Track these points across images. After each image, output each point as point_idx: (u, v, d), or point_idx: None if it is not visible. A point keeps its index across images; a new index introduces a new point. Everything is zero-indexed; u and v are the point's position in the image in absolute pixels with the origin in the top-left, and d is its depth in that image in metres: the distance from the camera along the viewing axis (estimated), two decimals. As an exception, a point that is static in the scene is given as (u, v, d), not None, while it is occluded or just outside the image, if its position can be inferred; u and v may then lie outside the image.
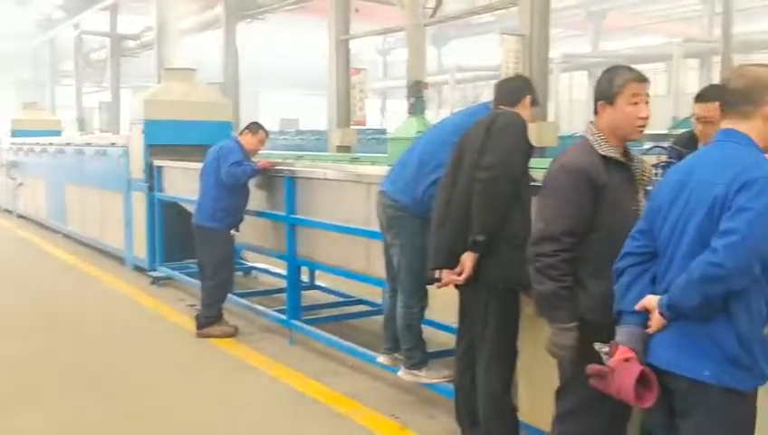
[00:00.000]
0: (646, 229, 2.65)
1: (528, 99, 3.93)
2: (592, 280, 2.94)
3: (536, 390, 3.79)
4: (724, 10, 15.74)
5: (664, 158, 4.04)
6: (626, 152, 3.08)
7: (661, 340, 2.52)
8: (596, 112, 3.06)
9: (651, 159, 4.14)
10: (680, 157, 3.89)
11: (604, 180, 2.93)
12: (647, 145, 4.42)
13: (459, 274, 3.65)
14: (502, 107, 3.90)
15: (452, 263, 3.68)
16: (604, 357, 2.63)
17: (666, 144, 4.25)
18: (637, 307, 2.59)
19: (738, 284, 2.34)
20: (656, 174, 3.84)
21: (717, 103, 4.09)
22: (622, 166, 3.02)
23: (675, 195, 2.54)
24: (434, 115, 22.96)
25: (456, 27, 30.46)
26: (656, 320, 2.52)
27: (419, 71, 11.51)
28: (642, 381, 2.50)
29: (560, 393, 3.13)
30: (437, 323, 5.50)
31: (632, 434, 3.49)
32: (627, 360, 2.54)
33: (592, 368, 2.63)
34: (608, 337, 2.87)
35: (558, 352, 2.98)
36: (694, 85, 18.01)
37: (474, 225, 3.57)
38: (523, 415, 3.88)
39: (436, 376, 4.46)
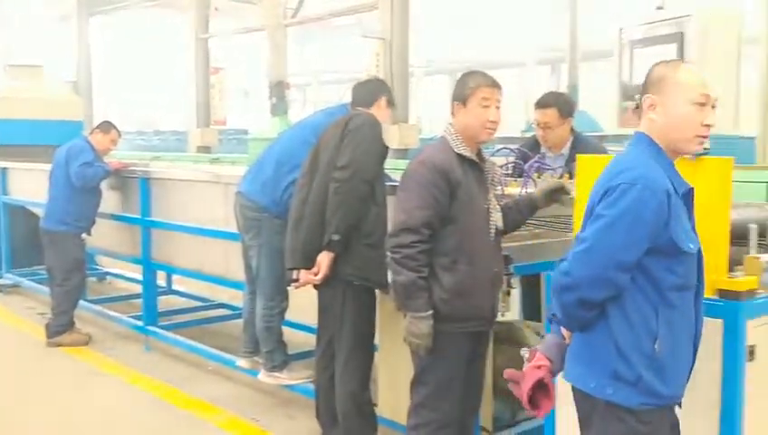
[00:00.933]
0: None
1: (384, 100, 4.00)
2: (445, 272, 3.06)
3: (395, 385, 3.86)
4: (570, 20, 16.64)
5: (512, 159, 4.22)
6: (479, 153, 3.24)
7: (568, 351, 2.45)
8: (452, 113, 3.20)
9: (500, 161, 4.34)
10: (525, 159, 4.10)
11: (459, 177, 3.07)
12: (498, 147, 4.60)
13: (316, 273, 3.67)
14: (358, 108, 3.95)
15: (308, 263, 3.69)
16: (525, 363, 2.56)
17: (513, 146, 4.46)
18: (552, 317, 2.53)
19: (594, 293, 2.23)
20: (504, 175, 4.03)
21: (554, 109, 4.40)
22: (475, 165, 3.17)
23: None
24: (298, 116, 22.85)
25: (320, 28, 30.49)
26: (565, 330, 2.47)
27: (281, 71, 11.45)
28: (543, 389, 2.45)
29: (413, 384, 3.23)
30: (298, 323, 5.49)
31: (484, 422, 3.66)
32: (539, 367, 2.46)
33: (507, 373, 2.59)
34: (459, 328, 3.01)
35: (414, 341, 3.06)
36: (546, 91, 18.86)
37: (329, 224, 3.60)
38: (383, 410, 3.95)
39: (297, 377, 4.46)
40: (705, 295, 2.67)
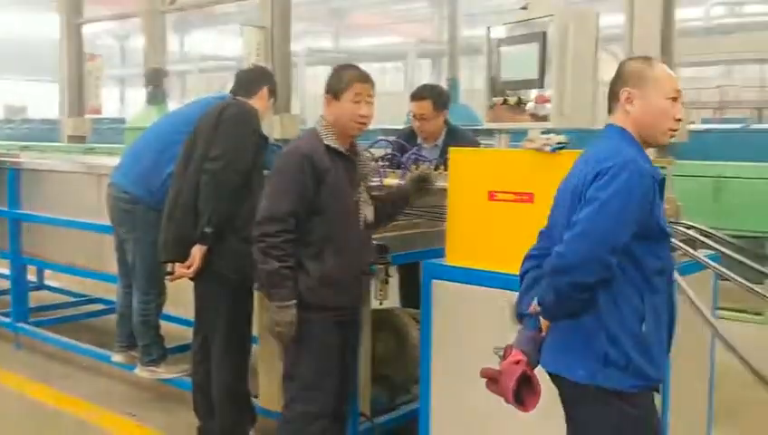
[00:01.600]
0: (545, 230, 2.57)
1: (265, 90, 3.95)
2: (311, 262, 3.08)
3: (274, 376, 3.89)
4: (450, 15, 17.00)
5: (389, 150, 4.32)
6: (353, 147, 3.27)
7: (547, 342, 2.43)
8: (324, 106, 3.22)
9: (379, 152, 4.44)
10: (403, 150, 4.21)
11: (327, 166, 3.08)
12: (378, 138, 4.69)
13: (189, 266, 3.64)
14: (238, 97, 3.90)
15: (182, 255, 3.65)
16: (500, 361, 2.51)
17: (391, 138, 4.57)
18: (530, 310, 2.49)
19: (588, 276, 2.22)
20: (381, 167, 4.12)
21: (429, 101, 4.54)
22: (346, 158, 3.20)
23: (559, 192, 2.51)
24: (177, 105, 22.31)
25: (200, 16, 29.82)
26: (543, 322, 2.45)
27: (158, 58, 11.15)
28: (528, 383, 2.39)
29: (285, 379, 3.23)
30: (176, 317, 5.41)
31: (363, 408, 3.75)
32: (517, 362, 2.41)
33: (484, 371, 2.51)
34: (326, 318, 3.05)
35: (278, 329, 3.05)
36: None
37: (202, 216, 3.57)
38: (263, 401, 3.97)
39: (175, 370, 4.42)
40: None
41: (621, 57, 7.86)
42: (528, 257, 2.57)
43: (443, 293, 3.29)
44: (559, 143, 2.96)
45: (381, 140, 4.48)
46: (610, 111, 2.48)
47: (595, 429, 2.35)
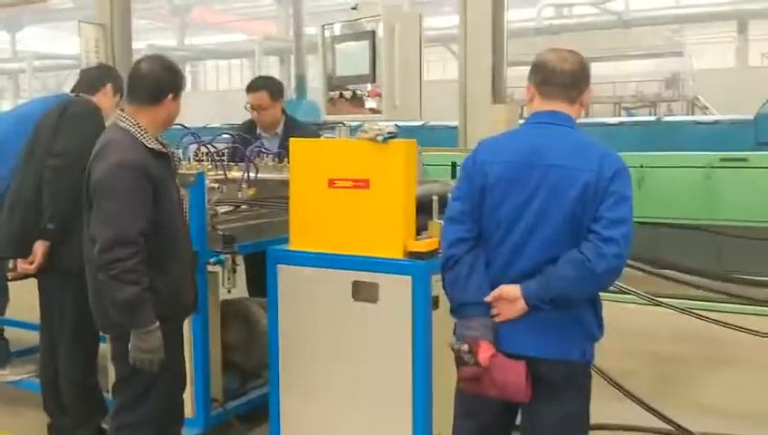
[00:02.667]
0: (469, 210, 2.55)
1: (110, 86, 3.92)
2: (158, 276, 2.89)
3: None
4: (294, 12, 17.12)
5: (231, 144, 4.43)
6: (161, 141, 3.08)
7: (522, 329, 2.47)
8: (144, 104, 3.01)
9: (220, 145, 4.53)
10: (245, 142, 4.35)
11: (158, 174, 2.92)
12: (221, 132, 4.79)
13: (31, 262, 3.60)
14: (81, 94, 3.87)
15: (24, 252, 3.61)
16: (466, 356, 2.47)
17: (232, 132, 4.70)
18: (490, 298, 2.49)
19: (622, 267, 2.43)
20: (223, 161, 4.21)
21: (264, 92, 4.73)
22: (164, 156, 3.04)
23: (516, 176, 2.49)
24: (10, 105, 21.14)
25: (33, 12, 28.27)
26: (515, 309, 2.46)
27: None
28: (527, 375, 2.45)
29: (119, 386, 3.09)
30: (21, 321, 5.27)
31: (215, 394, 3.87)
32: (494, 356, 2.45)
33: (466, 372, 2.51)
34: (175, 325, 3.03)
35: (145, 357, 2.83)
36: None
37: (45, 212, 3.55)
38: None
39: (21, 372, 4.35)
40: (395, 256, 3.16)
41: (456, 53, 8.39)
42: (460, 240, 2.55)
43: (288, 277, 3.48)
44: (390, 133, 3.22)
45: (223, 133, 4.59)
46: (567, 98, 2.57)
47: (582, 398, 2.58)
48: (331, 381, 3.39)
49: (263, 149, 4.29)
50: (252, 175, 4.04)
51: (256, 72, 22.25)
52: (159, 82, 3.02)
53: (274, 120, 4.82)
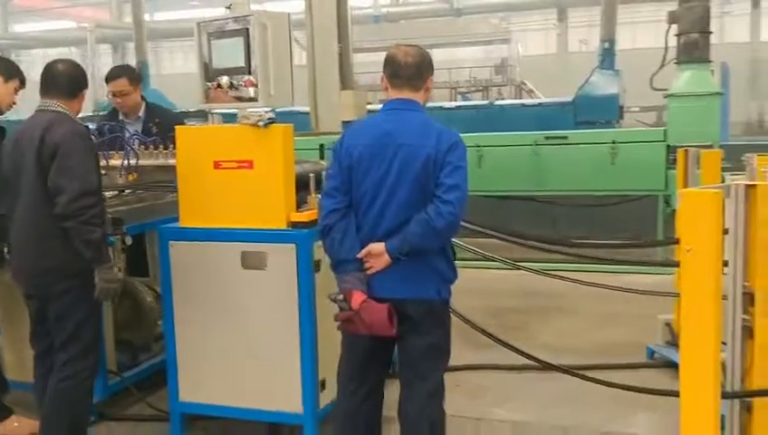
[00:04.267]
0: (340, 186, 3.06)
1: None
2: None
3: (20, 351, 4.11)
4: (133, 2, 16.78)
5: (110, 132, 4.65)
6: None
7: (389, 277, 3.00)
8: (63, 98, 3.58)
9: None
10: (112, 129, 4.61)
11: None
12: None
13: None
14: None
15: None
16: (342, 304, 3.01)
17: (97, 122, 5.03)
18: (361, 254, 3.02)
19: (459, 226, 3.02)
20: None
21: (125, 79, 5.02)
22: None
23: (374, 155, 3.00)
24: None
25: None
26: (383, 262, 2.98)
27: None
28: (389, 313, 2.96)
29: (62, 346, 3.51)
30: None
31: (111, 366, 4.14)
32: (365, 301, 2.97)
33: (340, 315, 3.04)
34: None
35: (110, 287, 3.44)
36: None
37: None
38: (10, 373, 4.19)
39: None
40: (280, 227, 3.61)
41: (304, 43, 8.76)
42: (333, 211, 3.07)
43: (180, 252, 3.82)
44: (269, 119, 3.64)
45: (105, 124, 4.80)
46: (412, 87, 3.10)
47: (441, 329, 3.14)
48: (225, 342, 3.77)
49: (140, 138, 4.56)
50: (132, 162, 4.32)
51: (88, 62, 21.54)
52: (76, 79, 3.58)
53: (136, 105, 5.13)
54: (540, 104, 13.59)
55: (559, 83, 19.00)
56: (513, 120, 11.83)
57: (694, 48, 6.71)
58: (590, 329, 5.60)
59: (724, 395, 2.37)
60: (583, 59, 18.56)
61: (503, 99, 20.07)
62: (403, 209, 2.98)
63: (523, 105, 14.41)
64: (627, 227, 7.90)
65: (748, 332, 2.41)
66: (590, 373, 4.10)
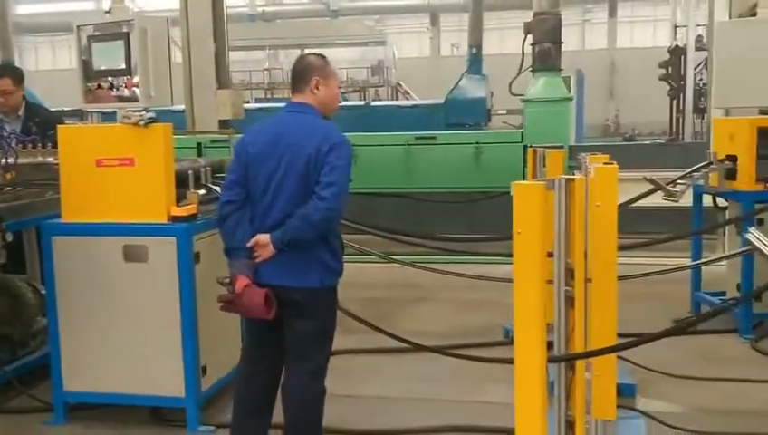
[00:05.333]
0: (238, 179, 3.30)
1: None
2: None
3: None
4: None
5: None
6: None
7: (275, 265, 3.23)
8: None
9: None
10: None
11: None
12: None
13: None
14: None
15: None
16: (228, 287, 3.25)
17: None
18: (249, 244, 3.25)
19: (335, 219, 3.28)
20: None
21: (8, 78, 5.06)
22: None
23: (266, 153, 3.25)
24: None
25: None
26: (268, 251, 3.22)
27: None
28: (266, 299, 3.20)
29: None
30: None
31: None
32: (247, 286, 3.21)
33: (222, 297, 3.26)
34: None
35: None
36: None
37: None
38: None
39: None
40: (161, 221, 3.81)
41: (178, 42, 8.82)
42: (229, 202, 3.32)
43: (62, 247, 3.95)
44: (150, 118, 3.84)
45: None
46: (299, 90, 3.37)
47: (324, 316, 3.37)
48: (109, 332, 3.94)
49: (18, 136, 4.62)
50: (11, 160, 4.39)
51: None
52: None
53: (17, 105, 5.17)
54: (414, 106, 14.16)
55: (433, 86, 19.73)
56: (389, 120, 12.29)
57: (547, 57, 7.36)
58: (452, 314, 6.08)
59: (552, 359, 2.79)
60: (455, 63, 19.32)
61: (379, 100, 20.63)
62: (288, 204, 3.23)
63: (398, 106, 14.95)
64: (491, 222, 8.48)
65: (570, 302, 2.86)
66: (450, 352, 4.51)
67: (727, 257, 5.67)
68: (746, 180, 5.36)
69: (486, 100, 12.11)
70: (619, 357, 4.20)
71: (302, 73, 3.39)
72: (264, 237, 3.27)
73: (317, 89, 3.37)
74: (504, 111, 15.42)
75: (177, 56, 7.51)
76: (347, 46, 25.01)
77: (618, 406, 3.66)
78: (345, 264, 3.44)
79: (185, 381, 3.87)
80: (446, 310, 6.24)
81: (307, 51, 3.65)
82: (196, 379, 3.90)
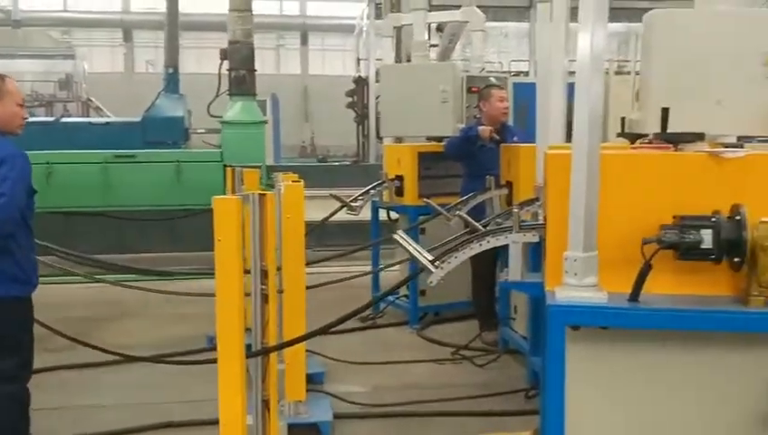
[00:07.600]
0: None
1: None
2: None
3: None
4: None
5: None
6: None
7: None
8: None
9: None
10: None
11: None
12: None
13: None
14: None
15: None
16: None
17: None
18: None
19: (9, 229, 3.37)
20: None
21: None
22: None
23: None
24: None
25: None
26: None
27: None
28: None
29: None
30: None
31: None
32: None
33: None
34: None
35: None
36: None
37: None
38: None
39: None
40: None
41: None
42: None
43: None
44: None
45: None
46: None
47: (11, 325, 3.46)
48: None
49: None
50: None
51: None
52: None
53: None
54: (108, 123, 13.83)
55: (127, 103, 19.33)
56: (81, 137, 11.89)
57: (242, 82, 7.90)
58: (157, 328, 6.32)
59: (249, 355, 3.24)
60: (151, 79, 19.13)
61: (69, 115, 19.69)
62: None
63: (90, 123, 14.45)
64: (194, 238, 8.76)
65: (265, 298, 3.36)
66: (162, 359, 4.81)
67: (399, 263, 6.61)
68: (411, 196, 6.34)
69: (185, 119, 12.25)
70: (310, 351, 4.85)
71: None
72: None
73: None
74: (204, 130, 15.65)
75: None
76: (31, 58, 23.50)
77: (309, 390, 4.30)
78: (47, 285, 3.61)
79: None
80: (152, 324, 6.45)
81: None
82: None
